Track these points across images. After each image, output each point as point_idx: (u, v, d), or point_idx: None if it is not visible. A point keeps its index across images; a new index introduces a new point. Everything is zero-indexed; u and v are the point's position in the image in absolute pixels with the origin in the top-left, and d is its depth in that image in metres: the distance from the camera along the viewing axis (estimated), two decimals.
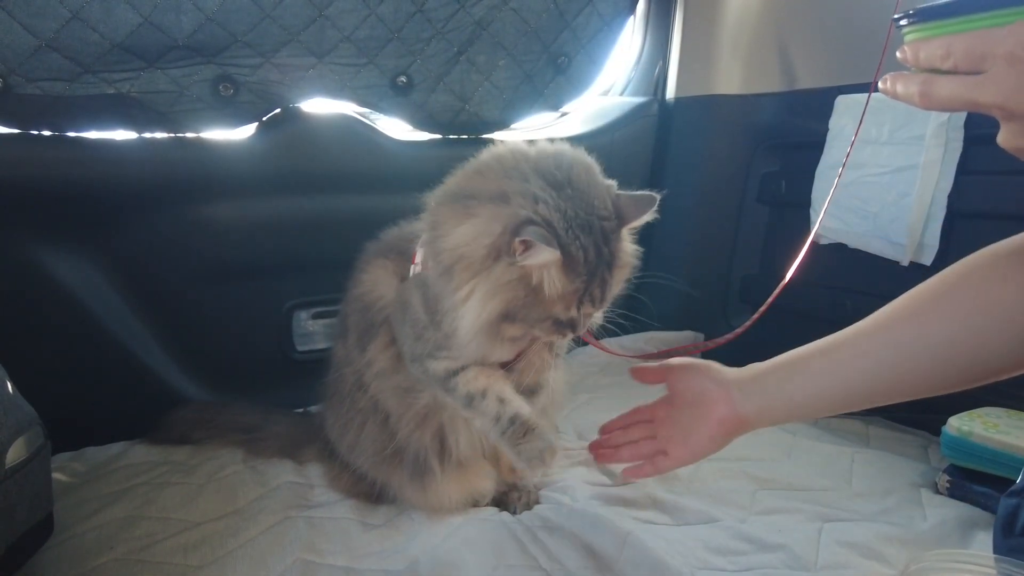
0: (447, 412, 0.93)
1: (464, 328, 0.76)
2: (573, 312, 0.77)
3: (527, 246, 0.70)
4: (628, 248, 0.80)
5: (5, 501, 0.68)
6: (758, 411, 0.78)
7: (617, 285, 0.80)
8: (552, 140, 0.84)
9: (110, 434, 1.22)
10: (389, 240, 0.99)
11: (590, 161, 0.81)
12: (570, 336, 0.82)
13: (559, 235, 0.71)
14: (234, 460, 1.13)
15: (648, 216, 0.80)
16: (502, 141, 0.85)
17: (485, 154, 0.83)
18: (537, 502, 1.01)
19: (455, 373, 0.85)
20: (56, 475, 0.96)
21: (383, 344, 0.93)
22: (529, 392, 0.97)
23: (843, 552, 0.86)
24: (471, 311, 0.75)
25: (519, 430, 0.81)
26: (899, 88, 0.51)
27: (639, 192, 0.79)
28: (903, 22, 0.52)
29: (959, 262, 0.71)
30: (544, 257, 0.70)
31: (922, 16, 0.51)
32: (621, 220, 0.77)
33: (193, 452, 1.16)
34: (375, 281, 0.95)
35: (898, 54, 0.52)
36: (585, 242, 0.73)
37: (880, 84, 0.53)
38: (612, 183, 0.81)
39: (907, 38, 0.52)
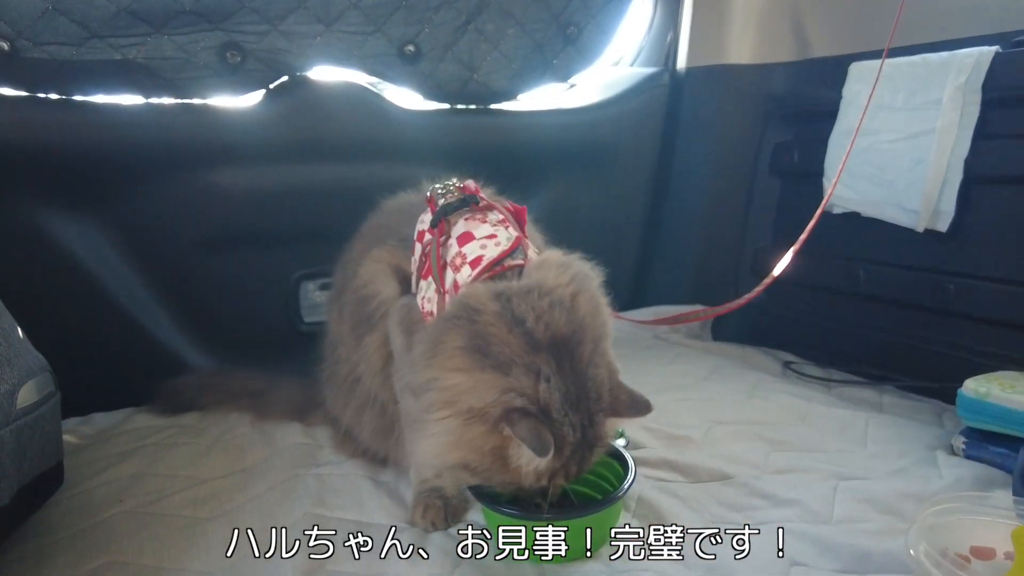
0: None
1: (424, 451, 0.73)
2: (544, 482, 0.72)
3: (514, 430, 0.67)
4: (610, 428, 0.75)
5: (16, 442, 0.68)
6: None
7: (592, 462, 0.74)
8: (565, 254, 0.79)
9: (116, 402, 1.22)
10: (388, 219, 0.96)
11: (598, 299, 0.77)
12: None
13: (552, 420, 0.68)
14: (241, 423, 1.12)
15: (635, 419, 0.75)
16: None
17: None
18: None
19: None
20: (65, 437, 0.95)
21: (379, 341, 0.91)
22: None
23: (859, 507, 0.85)
24: (432, 446, 0.71)
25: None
26: None
27: (638, 394, 0.75)
28: None
29: None
30: (530, 455, 0.67)
31: None
32: (612, 410, 0.73)
33: (200, 416, 1.16)
34: (371, 277, 0.93)
35: None
36: (573, 421, 0.69)
37: None
38: (616, 370, 0.75)
39: None
